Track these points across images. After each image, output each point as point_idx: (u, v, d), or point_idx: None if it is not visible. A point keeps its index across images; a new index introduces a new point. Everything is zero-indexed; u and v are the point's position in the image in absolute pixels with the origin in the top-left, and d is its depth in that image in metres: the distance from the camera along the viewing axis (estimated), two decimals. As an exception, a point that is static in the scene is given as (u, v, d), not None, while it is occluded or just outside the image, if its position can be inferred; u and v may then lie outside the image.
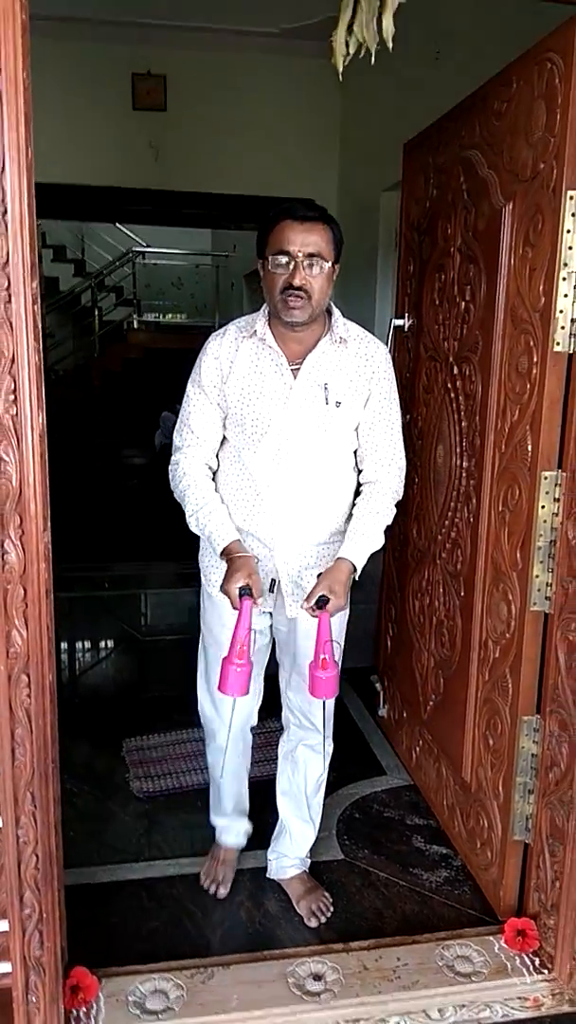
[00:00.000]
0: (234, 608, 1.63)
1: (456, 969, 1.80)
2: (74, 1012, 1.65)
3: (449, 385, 2.12)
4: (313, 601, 1.64)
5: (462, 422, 2.05)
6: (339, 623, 1.87)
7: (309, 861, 2.11)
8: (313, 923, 1.96)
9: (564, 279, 1.61)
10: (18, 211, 1.24)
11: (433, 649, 2.31)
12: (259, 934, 1.93)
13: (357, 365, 1.74)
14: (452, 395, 2.10)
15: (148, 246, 8.87)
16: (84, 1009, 1.66)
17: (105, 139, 4.02)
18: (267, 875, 2.10)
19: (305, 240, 1.61)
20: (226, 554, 1.70)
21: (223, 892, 2.04)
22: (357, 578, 1.73)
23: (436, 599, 2.28)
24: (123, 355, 8.51)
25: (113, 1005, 1.68)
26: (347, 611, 1.87)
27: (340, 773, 2.56)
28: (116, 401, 7.77)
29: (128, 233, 8.66)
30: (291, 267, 1.62)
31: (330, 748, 1.99)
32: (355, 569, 1.71)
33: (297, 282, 1.61)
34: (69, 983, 1.66)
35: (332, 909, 2.00)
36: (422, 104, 2.91)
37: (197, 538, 1.91)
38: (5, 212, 1.23)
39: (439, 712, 2.29)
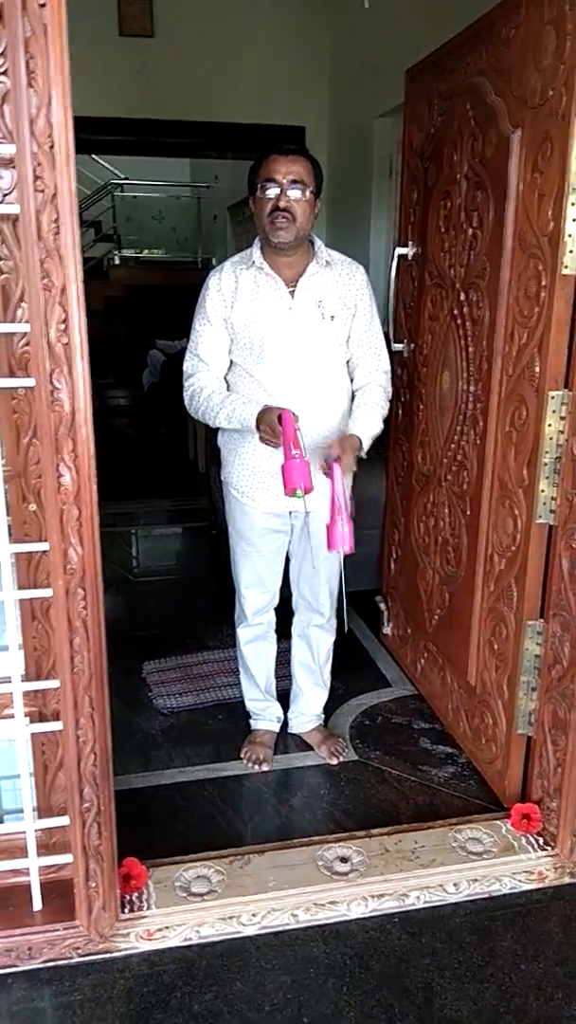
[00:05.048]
0: (274, 441, 1.88)
1: (468, 849, 1.99)
2: (127, 897, 1.81)
3: (456, 312, 2.20)
4: (326, 460, 1.90)
5: (469, 348, 2.14)
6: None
7: (323, 716, 2.49)
8: (334, 762, 2.35)
9: (573, 204, 1.68)
10: (63, 145, 1.29)
11: (438, 567, 2.45)
12: (286, 826, 2.11)
13: (342, 284, 2.02)
14: (459, 321, 2.18)
15: (126, 178, 8.65)
16: (136, 894, 1.83)
17: (90, 67, 3.92)
18: (289, 731, 2.47)
19: (289, 169, 1.89)
20: (258, 419, 1.93)
21: (265, 768, 2.33)
22: (363, 456, 1.99)
23: (441, 519, 2.41)
24: (104, 293, 8.38)
25: (162, 890, 1.85)
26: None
27: (348, 686, 2.74)
28: (98, 341, 7.71)
29: (104, 164, 8.43)
30: (277, 193, 1.89)
31: (335, 622, 2.36)
32: (360, 444, 1.97)
33: (283, 204, 1.89)
34: (121, 872, 1.81)
35: (347, 750, 2.40)
36: (417, 29, 2.90)
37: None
38: (52, 146, 1.28)
39: (444, 624, 2.44)
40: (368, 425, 2.02)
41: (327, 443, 2.04)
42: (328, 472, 1.88)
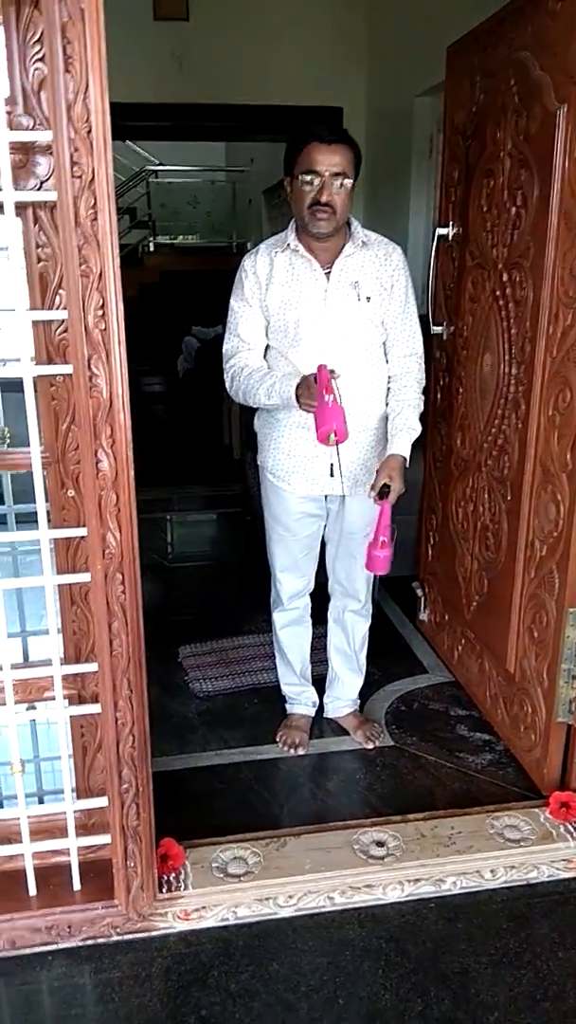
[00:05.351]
0: (309, 403, 1.86)
1: (506, 836, 1.97)
2: (165, 878, 1.83)
3: (498, 293, 2.15)
4: (377, 490, 1.97)
5: (511, 329, 2.10)
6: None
7: (359, 701, 2.48)
8: (370, 746, 2.36)
9: (620, 181, 1.63)
10: (100, 130, 1.28)
11: (477, 553, 2.42)
12: (322, 809, 2.12)
13: (379, 264, 1.98)
14: (501, 303, 2.14)
15: (161, 164, 8.63)
16: (174, 875, 1.85)
17: (124, 52, 3.90)
18: (324, 715, 2.47)
19: (331, 160, 1.83)
20: (297, 387, 1.92)
21: (301, 752, 2.35)
22: (407, 465, 2.04)
23: (481, 505, 2.38)
24: (139, 280, 8.37)
25: (199, 871, 1.87)
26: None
27: (384, 672, 2.73)
28: (134, 328, 7.69)
29: (139, 150, 8.42)
30: (319, 185, 1.84)
31: (371, 608, 2.36)
32: (405, 460, 2.03)
33: (324, 199, 1.85)
34: (159, 852, 1.83)
35: (383, 735, 2.41)
36: (458, 5, 2.83)
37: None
38: (90, 131, 1.27)
39: (483, 611, 2.42)
40: (408, 438, 2.02)
41: (368, 444, 2.06)
42: (379, 503, 1.96)
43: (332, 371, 1.87)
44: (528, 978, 1.63)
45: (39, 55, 1.31)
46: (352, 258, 1.96)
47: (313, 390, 1.84)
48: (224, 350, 2.08)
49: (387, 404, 2.07)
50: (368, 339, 2.00)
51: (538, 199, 1.92)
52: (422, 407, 2.08)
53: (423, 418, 2.08)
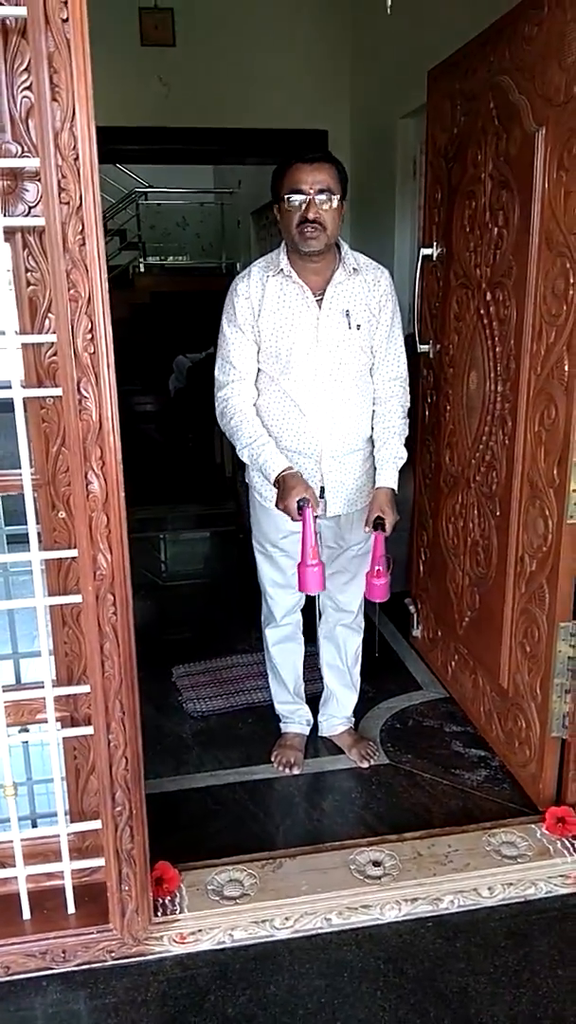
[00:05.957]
0: (295, 520, 1.90)
1: (503, 853, 1.97)
2: (160, 901, 1.82)
3: (482, 312, 2.18)
4: (371, 524, 2.01)
5: (496, 347, 2.12)
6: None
7: (353, 719, 2.48)
8: (365, 765, 2.35)
9: (600, 201, 1.66)
10: (87, 156, 1.30)
11: (468, 568, 2.43)
12: (317, 829, 2.10)
13: (367, 291, 2.00)
14: (485, 321, 2.17)
15: (150, 186, 8.72)
16: (169, 898, 1.83)
17: (113, 77, 3.97)
18: (319, 734, 2.47)
19: (315, 177, 1.85)
20: (279, 480, 1.94)
21: (296, 771, 2.34)
22: (397, 493, 2.09)
23: (470, 521, 2.39)
24: (130, 301, 8.42)
25: (195, 893, 1.85)
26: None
27: (378, 689, 2.73)
28: (125, 349, 7.73)
29: (129, 173, 8.51)
30: (305, 202, 1.85)
31: (362, 621, 2.38)
32: (394, 491, 2.07)
33: (311, 216, 1.85)
34: (154, 875, 1.82)
35: (378, 753, 2.41)
36: (439, 29, 2.89)
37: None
38: (77, 158, 1.29)
39: (475, 627, 2.42)
40: (395, 468, 2.07)
41: (355, 465, 2.08)
42: (373, 536, 2.01)
43: (315, 504, 1.92)
44: (528, 996, 1.62)
45: (27, 83, 1.33)
46: (343, 285, 1.96)
47: (294, 515, 1.89)
48: (216, 376, 2.06)
49: (372, 427, 2.10)
50: (358, 364, 2.01)
51: (519, 220, 1.95)
52: (407, 431, 2.11)
53: (410, 438, 2.11)
